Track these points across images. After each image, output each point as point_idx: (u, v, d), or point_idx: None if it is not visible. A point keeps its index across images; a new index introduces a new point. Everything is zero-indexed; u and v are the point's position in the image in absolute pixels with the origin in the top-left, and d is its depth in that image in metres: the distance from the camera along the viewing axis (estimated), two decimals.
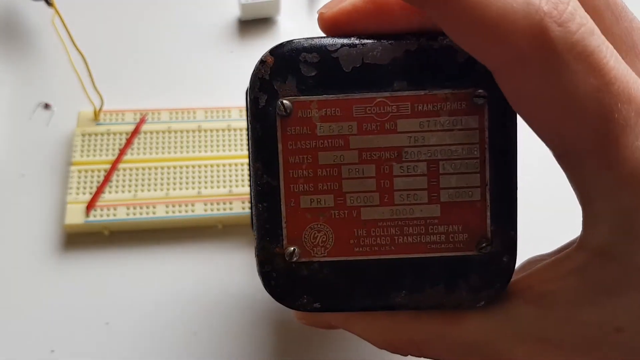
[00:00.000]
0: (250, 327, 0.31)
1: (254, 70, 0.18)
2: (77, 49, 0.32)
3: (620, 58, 0.14)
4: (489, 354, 0.18)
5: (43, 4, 0.34)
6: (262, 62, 0.18)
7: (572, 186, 0.17)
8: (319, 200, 0.18)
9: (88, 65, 0.33)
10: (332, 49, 0.17)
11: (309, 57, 0.18)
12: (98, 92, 0.34)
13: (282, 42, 0.18)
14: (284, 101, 0.17)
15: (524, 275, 0.18)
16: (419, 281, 0.18)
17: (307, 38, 0.18)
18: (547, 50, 0.13)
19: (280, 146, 0.18)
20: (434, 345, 0.18)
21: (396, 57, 0.17)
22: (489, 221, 0.18)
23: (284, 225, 0.18)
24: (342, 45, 0.17)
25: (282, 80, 0.18)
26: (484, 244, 0.18)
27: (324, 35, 0.18)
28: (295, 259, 0.18)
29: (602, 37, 0.14)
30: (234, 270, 0.32)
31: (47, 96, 0.36)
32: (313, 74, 0.17)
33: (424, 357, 0.19)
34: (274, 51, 0.18)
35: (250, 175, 0.19)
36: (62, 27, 0.32)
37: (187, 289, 0.31)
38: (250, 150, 0.18)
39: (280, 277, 0.18)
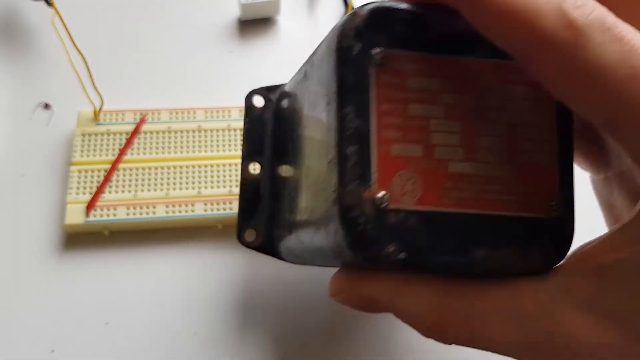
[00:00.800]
0: (250, 326, 0.31)
1: (345, 20, 0.18)
2: (77, 49, 0.32)
3: (634, 30, 0.16)
4: (547, 325, 0.17)
5: (43, 4, 0.34)
6: (354, 14, 0.18)
7: (624, 154, 0.17)
8: (408, 149, 0.18)
9: (88, 65, 0.33)
10: (423, 14, 0.18)
11: (402, 15, 0.18)
12: (98, 92, 0.34)
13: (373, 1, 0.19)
14: (380, 51, 0.18)
15: (579, 250, 0.18)
16: (498, 238, 0.18)
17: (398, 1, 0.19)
18: (572, 28, 0.15)
19: (373, 93, 0.18)
20: (490, 318, 0.18)
21: None
22: (558, 186, 0.19)
23: (373, 169, 0.18)
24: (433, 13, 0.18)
25: (377, 32, 0.18)
26: (554, 207, 0.18)
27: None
28: (384, 204, 0.17)
29: (614, 15, 0.16)
30: (234, 270, 0.32)
31: (47, 96, 0.36)
32: (405, 31, 0.18)
33: (472, 341, 0.18)
34: (366, 6, 0.18)
35: (330, 121, 0.18)
36: (62, 27, 0.32)
37: (187, 288, 0.31)
38: (336, 96, 0.18)
39: (368, 222, 0.17)
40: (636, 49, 0.15)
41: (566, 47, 0.15)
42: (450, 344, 0.19)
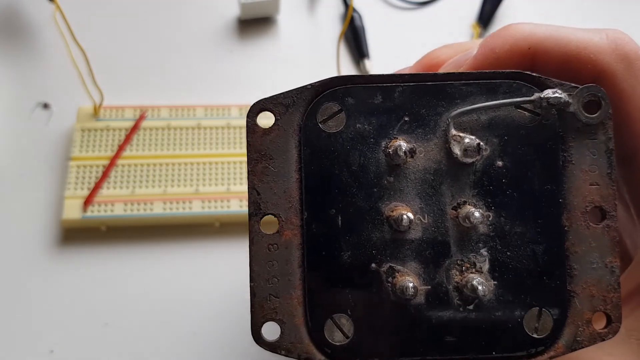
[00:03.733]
0: (250, 325, 0.31)
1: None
2: (78, 45, 0.32)
3: None
4: None
5: (44, 0, 0.34)
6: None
7: None
8: None
9: (88, 61, 0.33)
10: None
11: None
12: (98, 88, 0.34)
13: None
14: None
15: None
16: None
17: None
18: (628, 59, 0.18)
19: None
20: None
21: None
22: None
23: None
24: None
25: None
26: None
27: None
28: None
29: None
30: (231, 268, 0.32)
31: (47, 91, 0.36)
32: None
33: None
34: None
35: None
36: (63, 23, 0.32)
37: (184, 286, 0.31)
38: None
39: None
40: None
41: (626, 74, 0.18)
42: None
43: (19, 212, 0.32)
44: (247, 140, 0.18)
